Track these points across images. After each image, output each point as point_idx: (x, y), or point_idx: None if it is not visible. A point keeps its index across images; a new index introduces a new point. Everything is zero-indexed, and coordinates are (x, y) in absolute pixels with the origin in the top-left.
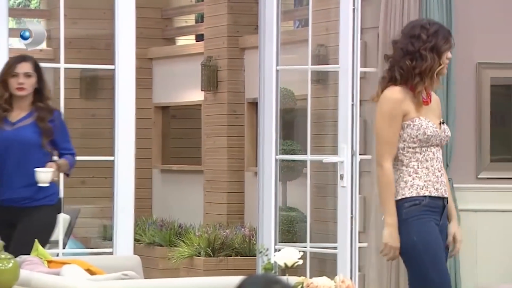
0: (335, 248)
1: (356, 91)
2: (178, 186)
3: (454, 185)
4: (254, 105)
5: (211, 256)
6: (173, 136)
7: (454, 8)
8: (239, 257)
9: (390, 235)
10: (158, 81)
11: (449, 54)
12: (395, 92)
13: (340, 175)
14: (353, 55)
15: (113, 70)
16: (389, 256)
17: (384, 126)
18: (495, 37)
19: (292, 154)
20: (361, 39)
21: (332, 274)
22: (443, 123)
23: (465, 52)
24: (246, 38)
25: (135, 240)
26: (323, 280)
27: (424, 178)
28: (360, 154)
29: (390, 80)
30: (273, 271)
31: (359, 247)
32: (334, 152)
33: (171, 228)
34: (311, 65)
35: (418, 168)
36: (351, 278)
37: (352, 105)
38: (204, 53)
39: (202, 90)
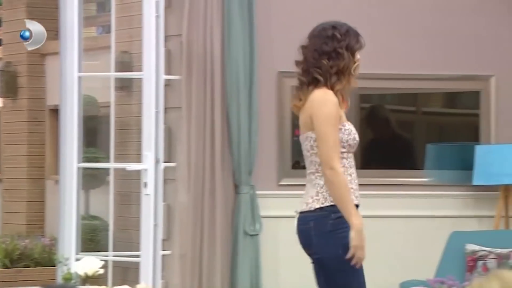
0: (138, 256)
1: (160, 98)
2: None
3: (257, 192)
4: (55, 112)
5: (8, 267)
6: None
7: (255, 18)
8: (39, 267)
9: (359, 236)
10: None
11: (358, 55)
12: (331, 94)
13: (144, 182)
14: (157, 62)
15: None
16: (361, 258)
17: (331, 129)
18: (295, 47)
19: (95, 161)
20: (165, 46)
21: (135, 282)
22: None
23: (267, 61)
24: (47, 44)
25: None
26: None
27: (349, 185)
28: (164, 162)
29: (311, 83)
30: (72, 281)
31: (163, 255)
32: (139, 159)
33: None
34: (115, 72)
35: (345, 174)
36: (153, 285)
37: (156, 112)
38: (2, 59)
39: (0, 97)
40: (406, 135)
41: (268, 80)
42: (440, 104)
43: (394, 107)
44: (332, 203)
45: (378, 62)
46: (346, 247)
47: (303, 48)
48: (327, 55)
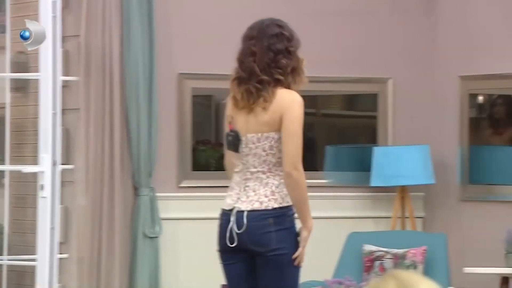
0: (34, 260)
1: (57, 100)
2: None
3: (157, 194)
4: None
5: None
6: None
7: (155, 19)
8: None
9: (309, 237)
10: None
11: None
12: (298, 95)
13: (41, 185)
14: (54, 63)
15: None
16: (303, 260)
17: (300, 131)
18: (194, 49)
19: None
20: (62, 47)
21: (31, 286)
22: None
23: (166, 62)
24: None
25: None
26: None
27: None
28: (62, 164)
29: (271, 82)
30: None
31: (60, 258)
32: (36, 161)
33: None
34: (10, 72)
35: None
36: None
37: (53, 114)
38: None
39: None
40: (309, 136)
41: (168, 81)
42: (339, 106)
43: None
44: (288, 204)
45: None
46: (298, 243)
47: (252, 46)
48: (282, 53)
